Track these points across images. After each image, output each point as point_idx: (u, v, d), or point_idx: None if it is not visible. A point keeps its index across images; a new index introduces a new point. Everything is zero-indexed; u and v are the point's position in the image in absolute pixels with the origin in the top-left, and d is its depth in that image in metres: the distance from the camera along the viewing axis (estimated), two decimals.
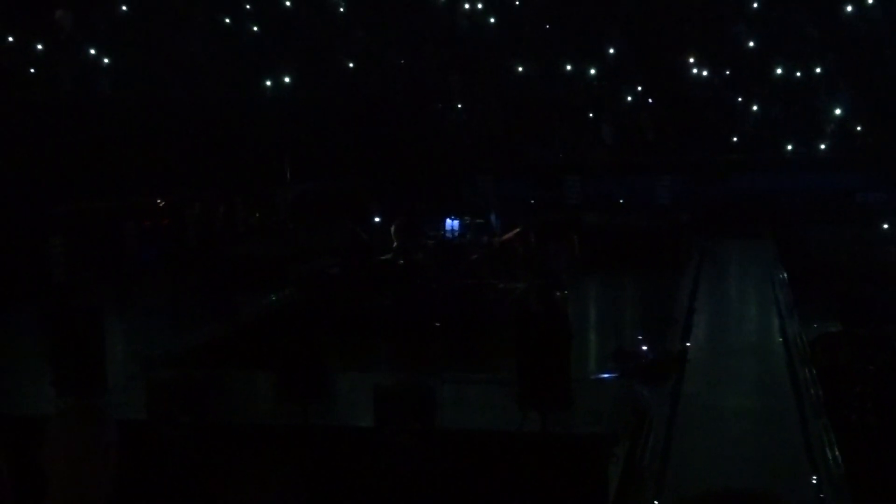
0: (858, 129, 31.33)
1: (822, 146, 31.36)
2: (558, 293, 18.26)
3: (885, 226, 25.83)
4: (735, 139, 32.10)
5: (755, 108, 32.51)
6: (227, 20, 34.25)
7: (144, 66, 31.15)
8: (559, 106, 33.31)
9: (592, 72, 33.84)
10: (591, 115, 33.23)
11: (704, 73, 33.47)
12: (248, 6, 34.83)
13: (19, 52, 30.79)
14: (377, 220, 24.39)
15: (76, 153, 27.02)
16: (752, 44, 34.29)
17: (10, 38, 30.70)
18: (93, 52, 31.81)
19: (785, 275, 22.13)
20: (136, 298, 22.06)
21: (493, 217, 24.05)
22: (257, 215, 28.49)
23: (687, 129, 32.25)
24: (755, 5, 35.03)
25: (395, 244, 20.70)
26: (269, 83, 32.62)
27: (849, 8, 33.76)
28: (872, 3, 33.75)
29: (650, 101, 33.51)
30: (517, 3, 35.90)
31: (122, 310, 20.69)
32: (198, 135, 28.99)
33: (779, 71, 32.91)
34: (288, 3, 34.65)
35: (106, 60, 31.70)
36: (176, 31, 32.05)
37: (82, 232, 23.78)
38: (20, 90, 29.29)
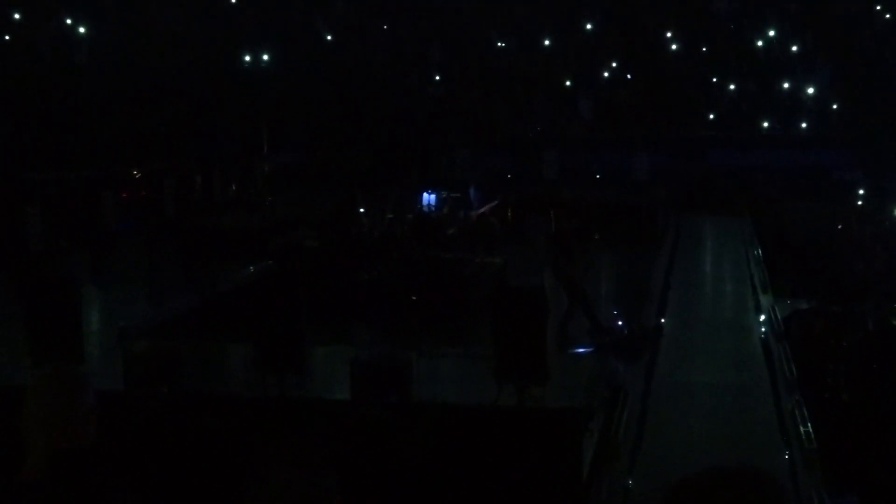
0: (835, 107, 31.44)
1: (799, 124, 31.44)
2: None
3: (860, 203, 26.01)
4: (712, 116, 32.14)
5: (732, 86, 32.55)
6: None
7: (122, 37, 30.89)
8: (538, 80, 33.28)
9: (571, 47, 33.82)
10: (569, 90, 33.18)
11: (682, 49, 33.49)
12: None
13: None
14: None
15: (53, 122, 26.84)
16: (730, 21, 34.34)
17: None
18: (69, 21, 31.47)
19: (760, 251, 22.23)
20: (113, 268, 21.96)
21: (471, 191, 24.06)
22: (234, 187, 28.35)
23: (665, 105, 32.27)
24: None
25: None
26: (247, 55, 32.42)
27: None
28: None
29: (629, 76, 33.51)
30: None
31: (99, 280, 20.59)
32: (175, 106, 28.81)
33: (756, 48, 32.97)
34: None
35: (82, 30, 31.37)
36: (153, 1, 31.80)
37: (59, 201, 23.65)
38: None
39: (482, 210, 23.41)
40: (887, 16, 33.43)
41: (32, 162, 25.36)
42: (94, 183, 25.27)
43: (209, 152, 28.33)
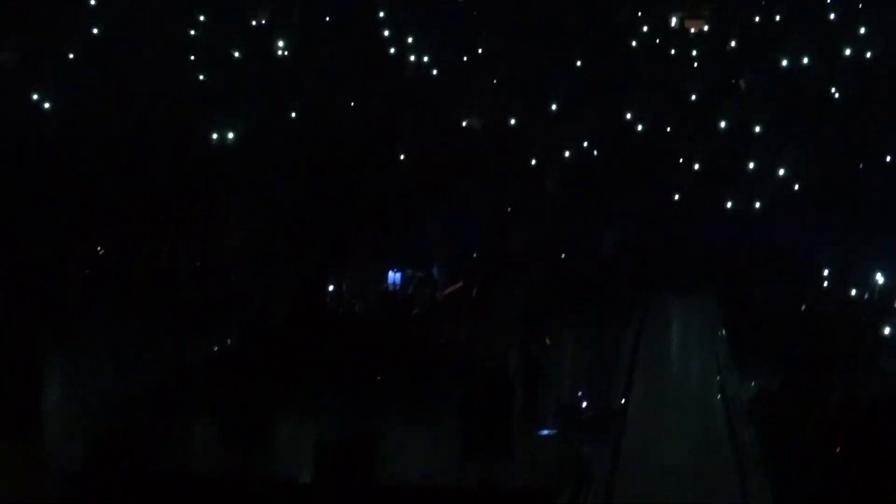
0: (796, 188, 31.78)
1: (766, 203, 31.72)
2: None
3: (826, 284, 26.28)
4: (677, 196, 32.38)
5: (698, 165, 32.85)
6: (179, 67, 34.15)
7: (92, 111, 30.90)
8: (508, 157, 33.48)
9: (541, 124, 34.12)
10: (538, 167, 33.41)
11: (651, 128, 33.89)
12: (197, 55, 34.71)
13: None
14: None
15: (22, 197, 26.74)
16: (695, 97, 34.82)
17: None
18: (36, 97, 31.37)
19: (724, 331, 22.36)
20: (79, 342, 21.73)
21: (435, 270, 24.21)
22: (198, 264, 28.23)
23: (633, 182, 32.51)
24: (699, 62, 35.74)
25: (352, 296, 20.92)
26: (217, 131, 32.42)
27: (785, 63, 34.54)
28: (813, 63, 34.48)
29: (596, 153, 33.74)
30: (465, 58, 36.32)
31: (64, 353, 20.36)
32: (145, 179, 28.71)
33: (722, 129, 33.44)
34: (237, 54, 34.69)
35: (47, 105, 31.29)
36: (124, 76, 31.86)
37: (29, 274, 23.53)
38: None
39: (449, 291, 23.56)
40: (837, 95, 34.01)
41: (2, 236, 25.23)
42: (63, 257, 25.19)
43: (178, 225, 28.24)
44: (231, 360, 18.99)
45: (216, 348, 20.07)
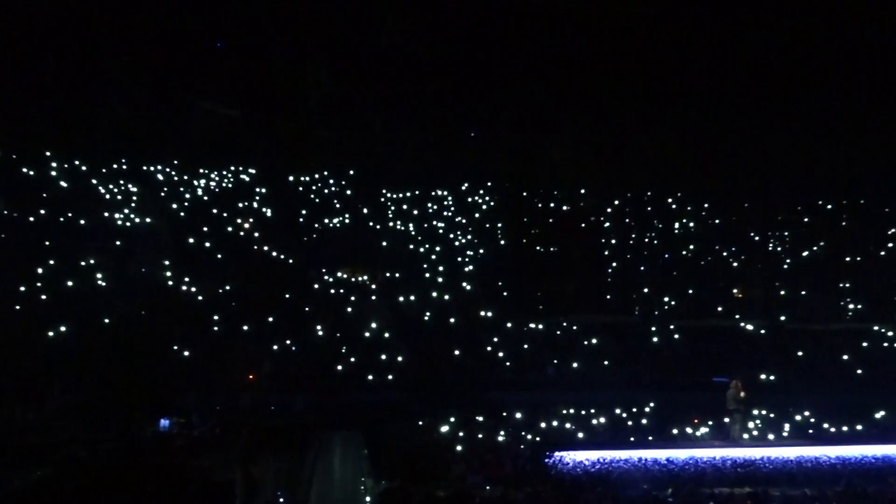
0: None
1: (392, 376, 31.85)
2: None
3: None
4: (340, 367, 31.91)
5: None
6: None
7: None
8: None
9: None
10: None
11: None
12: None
13: None
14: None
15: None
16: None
17: None
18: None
19: (367, 451, 22.43)
20: None
21: (195, 417, 23.25)
22: (30, 416, 25.16)
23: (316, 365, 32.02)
24: None
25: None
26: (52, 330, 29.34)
27: None
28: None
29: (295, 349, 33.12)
30: None
31: None
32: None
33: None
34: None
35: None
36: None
37: None
38: None
39: (200, 430, 22.60)
40: None
41: None
42: None
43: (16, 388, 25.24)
44: (47, 484, 17.20)
45: (38, 473, 18.01)
